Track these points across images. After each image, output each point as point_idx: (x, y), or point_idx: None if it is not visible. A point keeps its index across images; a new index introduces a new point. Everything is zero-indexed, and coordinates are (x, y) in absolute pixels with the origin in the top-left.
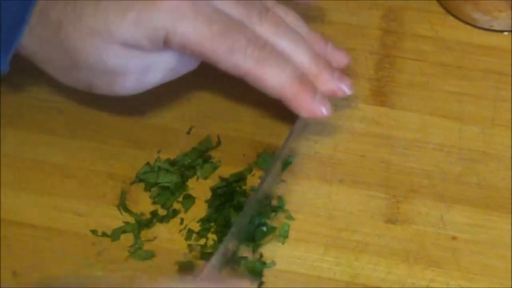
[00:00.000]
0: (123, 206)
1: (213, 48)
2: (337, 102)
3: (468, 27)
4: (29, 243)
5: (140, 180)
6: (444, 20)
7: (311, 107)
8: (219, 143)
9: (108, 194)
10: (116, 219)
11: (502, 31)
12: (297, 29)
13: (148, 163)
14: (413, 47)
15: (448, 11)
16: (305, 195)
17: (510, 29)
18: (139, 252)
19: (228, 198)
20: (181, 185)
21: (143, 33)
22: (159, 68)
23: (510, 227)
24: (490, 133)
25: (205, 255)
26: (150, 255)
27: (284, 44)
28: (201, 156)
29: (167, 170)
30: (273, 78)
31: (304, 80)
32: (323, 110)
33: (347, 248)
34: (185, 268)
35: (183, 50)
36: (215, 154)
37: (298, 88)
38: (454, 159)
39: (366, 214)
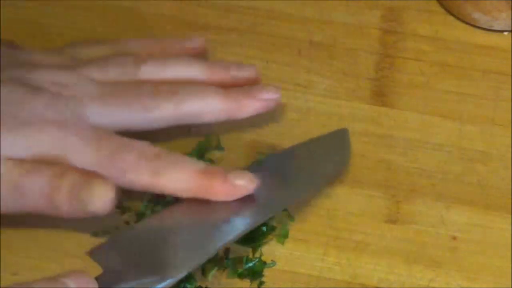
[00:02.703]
0: (123, 206)
1: (106, 173)
2: (337, 102)
3: (468, 27)
4: (29, 243)
5: None
6: (444, 20)
7: (227, 190)
8: (219, 143)
9: None
10: (116, 219)
11: (502, 31)
12: (194, 72)
13: None
14: (413, 47)
15: (448, 11)
16: None
17: (510, 29)
18: None
19: None
20: None
21: (32, 156)
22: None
23: (510, 227)
24: (490, 133)
25: None
26: None
27: (190, 104)
28: (201, 157)
29: None
30: (174, 184)
31: (207, 169)
32: (245, 185)
33: (347, 248)
34: None
35: None
36: (215, 154)
37: (203, 180)
38: (454, 159)
39: (366, 214)
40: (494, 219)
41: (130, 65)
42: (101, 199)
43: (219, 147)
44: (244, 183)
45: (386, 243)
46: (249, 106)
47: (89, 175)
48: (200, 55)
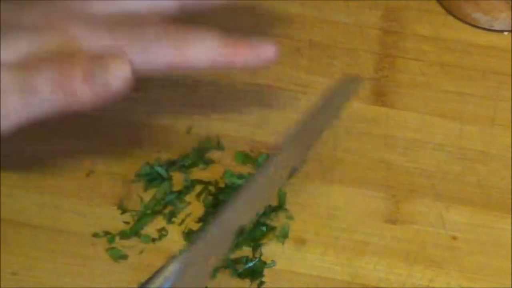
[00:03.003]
0: (123, 206)
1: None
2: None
3: (468, 27)
4: (29, 243)
5: (140, 180)
6: (444, 20)
7: (256, 52)
8: (219, 143)
9: (108, 194)
10: (116, 219)
11: (502, 31)
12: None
13: (148, 163)
14: (413, 47)
15: (449, 11)
16: (305, 195)
17: (510, 29)
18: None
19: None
20: (182, 186)
21: (39, 51)
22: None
23: (510, 227)
24: (490, 133)
25: None
26: (150, 255)
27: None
28: (201, 157)
29: (167, 170)
30: (200, 54)
31: (229, 38)
32: (271, 49)
33: (347, 248)
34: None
35: None
36: (215, 154)
37: (228, 46)
38: (454, 159)
39: (366, 214)
40: (494, 219)
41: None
42: (119, 74)
43: (219, 147)
44: (268, 47)
45: (386, 243)
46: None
47: (101, 55)
48: None
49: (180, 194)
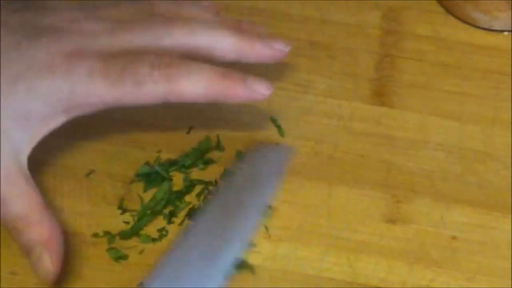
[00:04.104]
0: (123, 206)
1: (119, 93)
2: (337, 102)
3: (468, 27)
4: None
5: (140, 180)
6: (444, 20)
7: (247, 92)
8: (219, 143)
9: (108, 194)
10: (116, 219)
11: (502, 31)
12: (208, 17)
13: (148, 163)
14: (413, 47)
15: (448, 11)
16: (305, 195)
17: (510, 29)
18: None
19: None
20: (182, 186)
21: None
22: None
23: (510, 227)
24: (490, 133)
25: None
26: (150, 255)
27: (202, 35)
28: (201, 157)
29: (167, 170)
30: (194, 87)
31: (226, 72)
32: (263, 90)
33: (347, 248)
34: None
35: (89, 108)
36: (215, 154)
37: (224, 81)
38: (454, 159)
39: (366, 214)
40: (494, 219)
41: (144, 3)
42: (263, 88)
43: (219, 147)
44: (262, 88)
45: (386, 243)
46: (261, 50)
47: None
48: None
49: (180, 194)
